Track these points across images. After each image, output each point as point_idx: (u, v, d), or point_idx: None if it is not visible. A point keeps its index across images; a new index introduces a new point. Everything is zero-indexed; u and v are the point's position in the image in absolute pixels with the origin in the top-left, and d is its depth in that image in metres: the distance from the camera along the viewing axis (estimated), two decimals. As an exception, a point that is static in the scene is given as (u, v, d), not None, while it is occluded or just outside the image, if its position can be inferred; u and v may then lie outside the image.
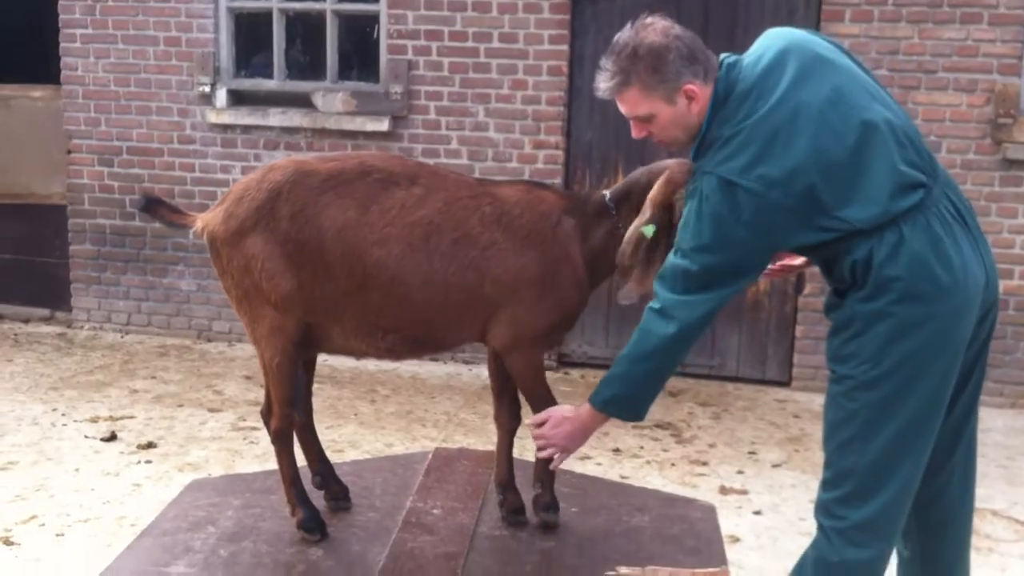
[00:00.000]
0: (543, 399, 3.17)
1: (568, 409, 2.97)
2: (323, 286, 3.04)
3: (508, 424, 3.33)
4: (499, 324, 3.09)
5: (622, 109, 2.78)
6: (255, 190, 3.06)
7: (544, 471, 3.27)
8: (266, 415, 3.25)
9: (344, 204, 3.03)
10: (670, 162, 3.05)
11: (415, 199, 3.05)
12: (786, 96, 2.62)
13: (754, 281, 2.89)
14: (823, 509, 2.78)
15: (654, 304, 2.75)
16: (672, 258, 2.73)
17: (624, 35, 2.72)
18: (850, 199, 2.60)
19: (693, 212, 2.68)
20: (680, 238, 2.72)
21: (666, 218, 2.96)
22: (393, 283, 3.03)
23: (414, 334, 3.13)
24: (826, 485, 2.78)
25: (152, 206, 3.26)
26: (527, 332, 3.10)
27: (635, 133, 2.82)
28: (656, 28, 2.69)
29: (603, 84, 2.75)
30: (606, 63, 2.73)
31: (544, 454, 3.00)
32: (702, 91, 2.70)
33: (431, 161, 6.94)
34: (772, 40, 2.76)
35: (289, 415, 3.20)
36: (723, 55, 2.78)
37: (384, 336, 3.12)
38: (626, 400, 2.84)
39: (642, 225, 2.94)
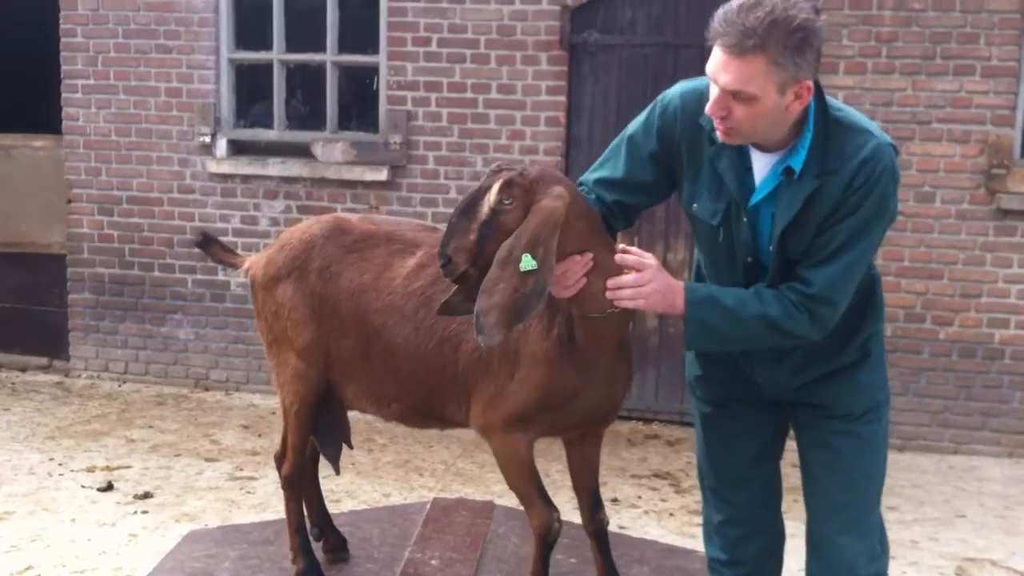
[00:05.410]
0: (526, 495, 2.97)
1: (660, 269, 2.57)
2: (338, 343, 3.06)
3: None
4: (476, 404, 2.92)
5: (722, 77, 2.34)
6: (296, 240, 3.12)
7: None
8: (279, 459, 3.25)
9: (363, 267, 3.04)
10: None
11: (416, 269, 3.00)
12: None
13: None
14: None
15: (806, 308, 2.55)
16: (858, 263, 2.52)
17: None
18: None
19: (882, 194, 2.43)
20: (869, 232, 2.48)
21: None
22: (386, 353, 3.01)
23: (415, 405, 3.07)
24: (872, 539, 3.05)
25: (207, 243, 3.34)
26: (499, 412, 2.87)
27: (713, 108, 2.39)
28: (804, 7, 2.30)
29: (727, 40, 2.30)
30: (736, 16, 2.29)
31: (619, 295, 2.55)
32: (809, 95, 2.40)
33: (429, 211, 6.99)
34: None
35: (302, 463, 3.21)
36: None
37: (388, 404, 3.11)
38: (707, 330, 2.60)
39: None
